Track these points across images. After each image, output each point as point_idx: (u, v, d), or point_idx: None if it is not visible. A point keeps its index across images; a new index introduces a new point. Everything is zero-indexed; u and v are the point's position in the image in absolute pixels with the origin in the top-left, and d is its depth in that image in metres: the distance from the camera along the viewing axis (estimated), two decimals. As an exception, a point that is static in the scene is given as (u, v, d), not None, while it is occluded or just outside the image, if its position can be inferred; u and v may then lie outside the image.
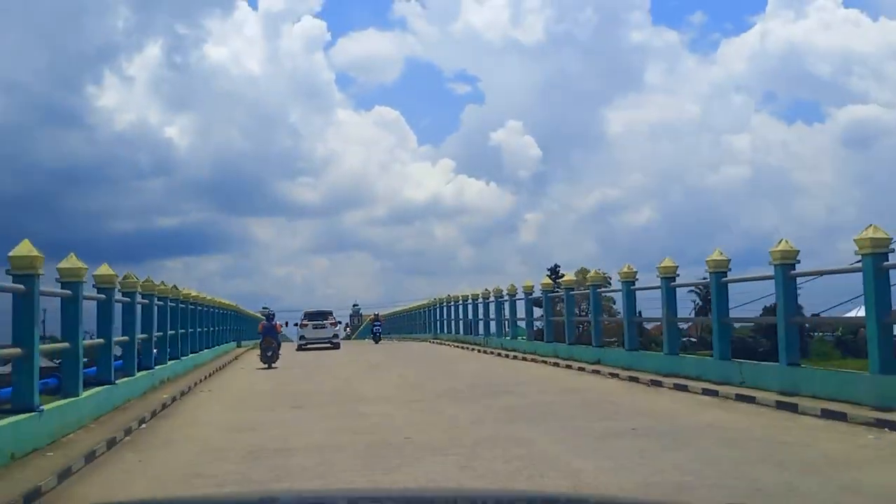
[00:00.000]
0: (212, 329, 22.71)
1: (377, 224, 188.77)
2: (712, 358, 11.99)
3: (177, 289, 16.57)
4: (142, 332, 13.02)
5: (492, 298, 25.70)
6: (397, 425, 8.84)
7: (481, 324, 27.60)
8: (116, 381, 10.71)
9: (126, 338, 11.88)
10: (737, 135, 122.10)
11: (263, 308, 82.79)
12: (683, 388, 11.36)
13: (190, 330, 18.09)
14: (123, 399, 10.82)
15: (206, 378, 15.93)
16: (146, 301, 13.42)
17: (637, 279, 15.11)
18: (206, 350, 20.73)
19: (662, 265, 13.70)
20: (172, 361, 15.38)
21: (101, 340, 10.62)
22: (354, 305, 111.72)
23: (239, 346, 31.00)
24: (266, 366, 18.95)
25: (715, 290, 12.06)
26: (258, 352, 19.86)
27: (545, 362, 17.55)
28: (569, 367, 16.01)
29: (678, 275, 13.79)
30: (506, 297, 24.23)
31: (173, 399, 11.79)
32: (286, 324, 32.79)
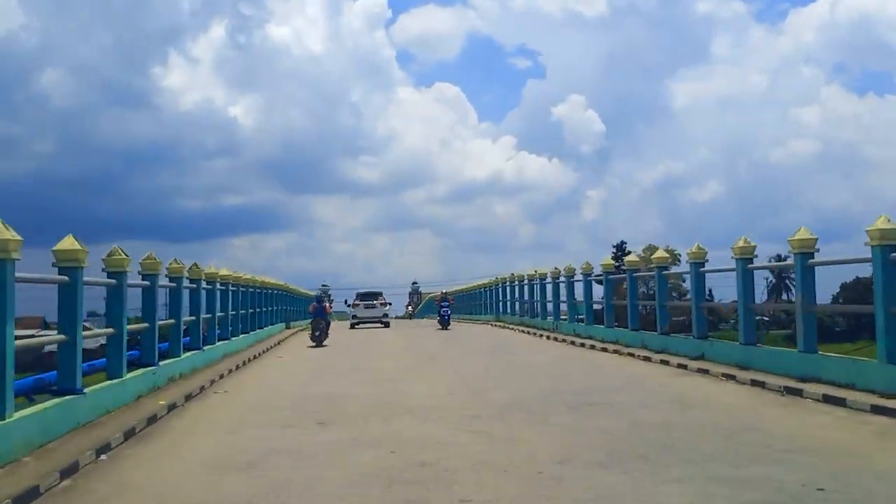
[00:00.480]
0: (250, 311, 20.41)
1: (438, 202, 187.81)
2: (875, 360, 8.88)
3: (198, 267, 14.25)
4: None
5: (562, 278, 22.75)
6: (449, 469, 5.97)
7: (549, 307, 24.46)
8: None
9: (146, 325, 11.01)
10: (805, 108, 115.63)
11: (322, 286, 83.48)
12: (837, 402, 8.38)
13: (219, 314, 15.90)
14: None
15: (227, 374, 13.16)
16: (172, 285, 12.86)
17: (707, 259, 13.59)
18: (240, 336, 18.43)
19: (738, 245, 11.89)
20: (191, 353, 13.17)
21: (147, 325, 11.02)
22: (414, 283, 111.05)
23: (288, 326, 29.40)
24: (315, 344, 20.37)
25: (800, 274, 10.48)
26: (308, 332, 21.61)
27: (632, 355, 14.60)
28: (664, 362, 13.09)
29: (755, 256, 12.14)
30: (578, 277, 21.24)
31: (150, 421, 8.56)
32: (345, 302, 34.41)
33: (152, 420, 8.45)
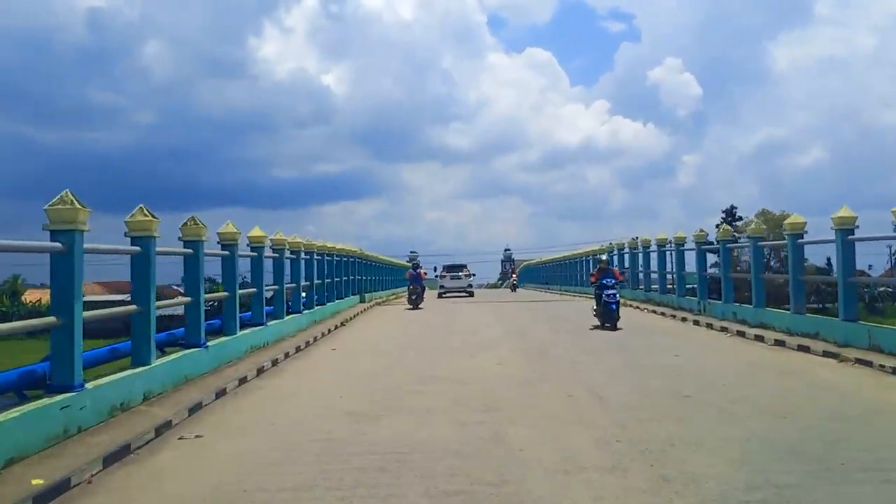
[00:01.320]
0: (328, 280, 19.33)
1: (528, 169, 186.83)
2: None
3: (300, 240, 15.72)
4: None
5: (691, 244, 19.01)
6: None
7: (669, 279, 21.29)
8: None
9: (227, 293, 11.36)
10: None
11: (411, 252, 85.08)
12: None
13: (316, 282, 17.38)
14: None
15: (333, 329, 14.97)
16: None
17: (857, 226, 11.09)
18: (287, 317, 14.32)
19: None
20: (291, 316, 14.64)
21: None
22: (506, 250, 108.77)
23: (362, 300, 25.16)
24: (412, 307, 22.80)
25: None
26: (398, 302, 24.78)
27: (864, 363, 9.32)
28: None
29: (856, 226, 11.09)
30: (739, 241, 18.32)
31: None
32: (434, 269, 37.25)
33: (285, 356, 11.27)
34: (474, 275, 37.38)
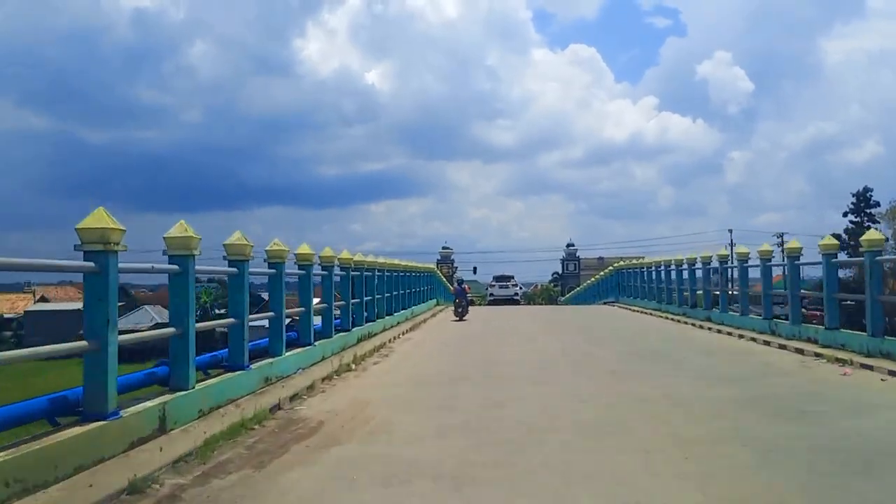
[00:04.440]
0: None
1: (573, 165, 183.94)
2: None
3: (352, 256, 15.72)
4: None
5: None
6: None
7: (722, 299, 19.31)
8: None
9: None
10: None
11: (444, 248, 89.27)
12: None
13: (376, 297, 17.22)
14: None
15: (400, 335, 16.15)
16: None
17: None
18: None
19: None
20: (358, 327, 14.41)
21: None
22: (569, 245, 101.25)
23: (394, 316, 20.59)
24: (458, 319, 24.06)
25: None
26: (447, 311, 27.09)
27: None
28: None
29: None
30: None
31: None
32: (474, 270, 48.83)
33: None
34: (519, 285, 42.99)
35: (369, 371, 11.67)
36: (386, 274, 20.21)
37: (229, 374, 8.55)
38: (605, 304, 34.42)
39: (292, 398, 8.71)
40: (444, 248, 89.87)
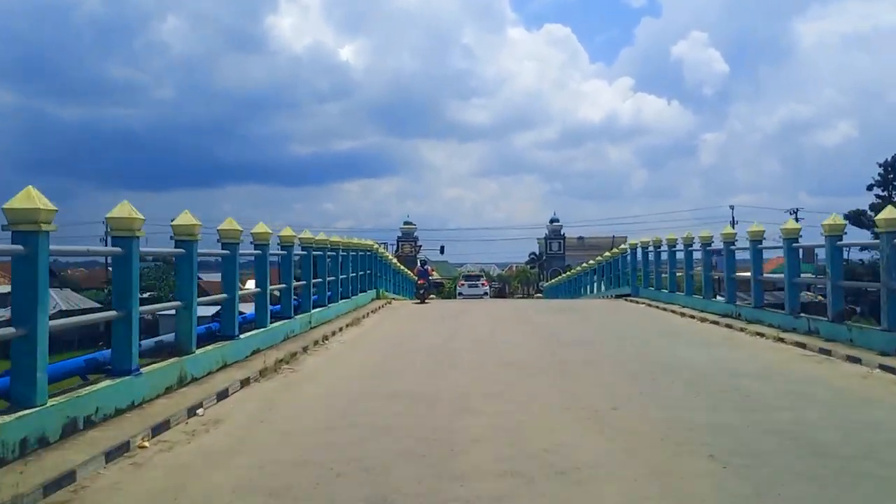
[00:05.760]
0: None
1: (548, 146, 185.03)
2: None
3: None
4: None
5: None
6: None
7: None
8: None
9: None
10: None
11: (406, 223, 78.96)
12: None
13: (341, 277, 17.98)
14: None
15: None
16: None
17: None
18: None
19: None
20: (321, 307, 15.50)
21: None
22: (553, 221, 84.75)
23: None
24: (419, 301, 23.68)
25: None
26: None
27: None
28: None
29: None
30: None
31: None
32: (441, 250, 52.70)
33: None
34: (491, 283, 46.64)
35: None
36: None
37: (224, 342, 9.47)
38: (619, 298, 24.23)
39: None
40: (405, 223, 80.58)
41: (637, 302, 21.71)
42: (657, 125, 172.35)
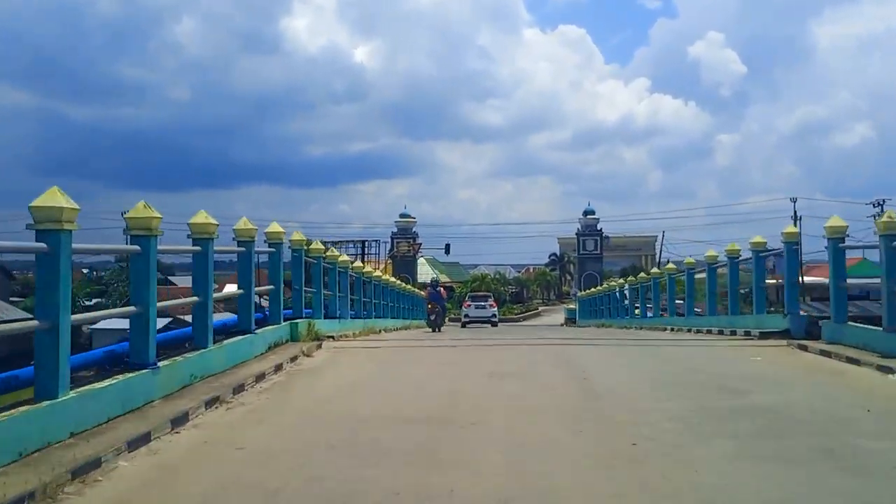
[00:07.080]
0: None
1: (562, 147, 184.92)
2: None
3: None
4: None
5: None
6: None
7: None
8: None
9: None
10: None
11: (402, 216, 67.44)
12: None
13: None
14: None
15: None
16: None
17: None
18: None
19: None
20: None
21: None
22: (587, 213, 72.68)
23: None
24: (431, 330, 19.89)
25: None
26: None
27: None
28: None
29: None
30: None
31: None
32: (446, 249, 47.06)
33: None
34: (507, 288, 42.38)
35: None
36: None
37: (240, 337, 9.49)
38: (765, 336, 12.28)
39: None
40: (402, 215, 67.02)
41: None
42: (673, 126, 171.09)
